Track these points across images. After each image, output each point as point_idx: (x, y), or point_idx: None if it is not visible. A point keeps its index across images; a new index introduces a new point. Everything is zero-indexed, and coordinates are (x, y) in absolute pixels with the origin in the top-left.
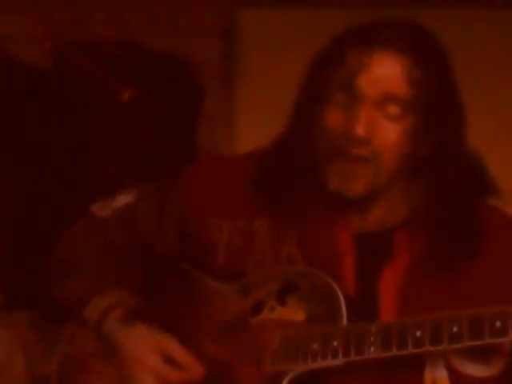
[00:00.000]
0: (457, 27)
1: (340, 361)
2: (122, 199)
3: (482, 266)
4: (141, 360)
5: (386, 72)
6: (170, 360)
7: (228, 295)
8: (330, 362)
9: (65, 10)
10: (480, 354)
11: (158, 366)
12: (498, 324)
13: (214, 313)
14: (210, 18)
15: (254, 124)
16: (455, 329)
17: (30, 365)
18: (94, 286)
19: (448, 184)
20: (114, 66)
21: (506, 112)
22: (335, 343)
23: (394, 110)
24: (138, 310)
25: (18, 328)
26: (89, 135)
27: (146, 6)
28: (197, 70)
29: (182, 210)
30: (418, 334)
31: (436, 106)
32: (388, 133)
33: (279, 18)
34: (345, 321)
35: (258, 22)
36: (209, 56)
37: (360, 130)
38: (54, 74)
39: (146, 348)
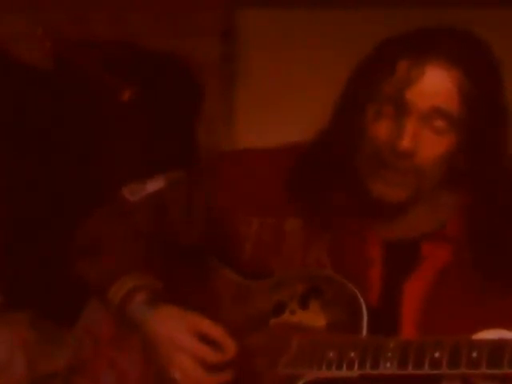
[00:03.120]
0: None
1: (355, 373)
2: (153, 185)
3: None
4: (176, 341)
5: (436, 86)
6: (204, 339)
7: (250, 292)
8: (344, 373)
9: (65, 10)
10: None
11: (195, 346)
12: None
13: (234, 309)
14: (210, 18)
15: (254, 124)
16: (474, 354)
17: (30, 365)
18: (118, 268)
19: (486, 195)
20: (114, 66)
21: None
22: (352, 354)
23: (440, 124)
24: (162, 292)
25: (19, 328)
26: (89, 135)
27: (146, 6)
28: (197, 69)
29: (211, 202)
30: (437, 355)
31: (484, 121)
32: (433, 146)
33: (279, 18)
34: (364, 332)
35: (258, 22)
36: (209, 56)
37: (405, 142)
38: (54, 74)
39: (180, 328)
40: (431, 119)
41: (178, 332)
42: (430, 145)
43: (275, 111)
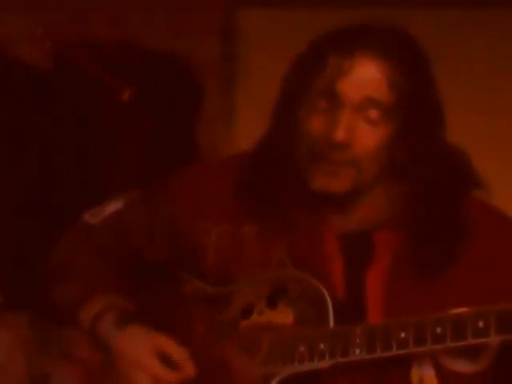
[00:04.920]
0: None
1: (326, 363)
2: (112, 207)
3: (468, 266)
4: (137, 361)
5: (367, 76)
6: (166, 359)
7: (219, 299)
8: (316, 365)
9: (65, 10)
10: (467, 351)
11: (155, 367)
12: (481, 324)
13: (205, 318)
14: (210, 18)
15: (254, 124)
16: (438, 330)
17: (29, 365)
18: (86, 291)
19: (428, 184)
20: (114, 66)
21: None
22: (322, 346)
23: (374, 114)
24: (130, 312)
25: (18, 328)
26: (89, 135)
27: (146, 6)
28: (197, 69)
29: (171, 217)
30: (402, 335)
31: (416, 109)
32: (368, 136)
33: (279, 18)
34: (332, 323)
35: (258, 22)
36: (209, 56)
37: (340, 134)
38: (54, 74)
39: (142, 349)
40: (364, 110)
41: (140, 352)
42: (365, 136)
43: None
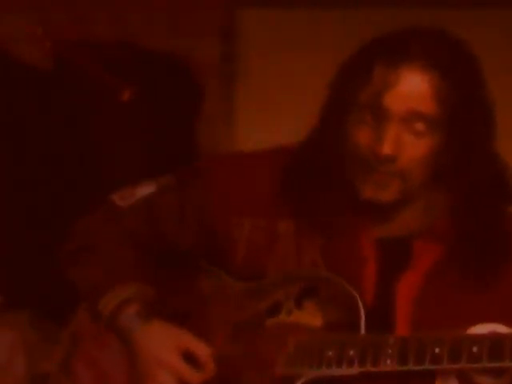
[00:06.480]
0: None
1: (355, 370)
2: (143, 190)
3: (505, 279)
4: (161, 359)
5: (412, 89)
6: (190, 358)
7: (244, 294)
8: (345, 371)
9: (65, 10)
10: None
11: (177, 364)
12: None
13: (229, 312)
14: (210, 18)
15: (254, 124)
16: (475, 349)
17: (30, 365)
18: (110, 275)
19: (472, 194)
20: (114, 66)
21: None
22: (351, 352)
23: (420, 126)
24: (154, 304)
25: (18, 328)
26: (89, 135)
27: (146, 6)
28: (197, 69)
29: (203, 206)
30: (437, 350)
31: (463, 120)
32: (415, 149)
33: (279, 18)
34: (363, 331)
35: (258, 22)
36: (209, 56)
37: (387, 148)
38: (54, 75)
39: (166, 345)
40: (410, 122)
41: (163, 348)
42: (411, 147)
43: (275, 111)
